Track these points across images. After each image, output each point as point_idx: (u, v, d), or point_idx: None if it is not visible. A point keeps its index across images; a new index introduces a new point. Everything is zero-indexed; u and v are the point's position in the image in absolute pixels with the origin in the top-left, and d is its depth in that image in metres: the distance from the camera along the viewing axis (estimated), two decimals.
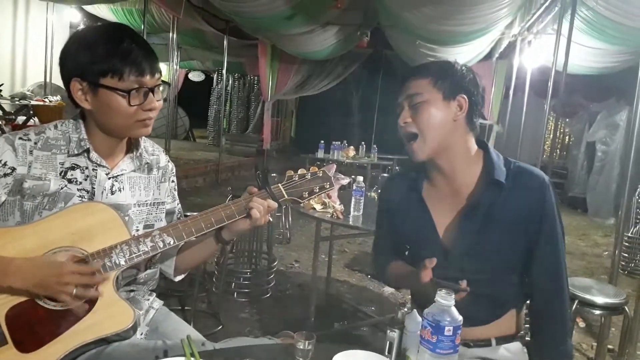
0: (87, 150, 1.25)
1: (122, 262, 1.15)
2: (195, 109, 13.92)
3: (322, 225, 3.22)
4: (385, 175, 7.18)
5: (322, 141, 7.03)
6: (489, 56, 7.36)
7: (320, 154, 6.89)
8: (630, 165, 2.72)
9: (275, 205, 1.24)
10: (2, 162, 1.18)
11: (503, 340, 1.36)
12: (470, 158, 1.38)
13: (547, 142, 7.67)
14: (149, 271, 1.38)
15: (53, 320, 1.11)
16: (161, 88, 1.24)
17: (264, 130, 9.90)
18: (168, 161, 1.45)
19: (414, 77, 1.37)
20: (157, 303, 1.43)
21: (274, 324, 3.16)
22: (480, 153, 1.39)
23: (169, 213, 1.43)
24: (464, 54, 6.53)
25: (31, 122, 5.83)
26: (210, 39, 8.94)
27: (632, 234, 4.92)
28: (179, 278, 1.43)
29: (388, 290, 3.98)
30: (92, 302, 1.13)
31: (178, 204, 1.47)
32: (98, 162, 1.26)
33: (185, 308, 3.23)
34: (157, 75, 1.22)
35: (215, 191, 7.52)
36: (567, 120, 9.27)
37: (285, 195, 1.27)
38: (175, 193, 1.47)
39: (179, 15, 6.44)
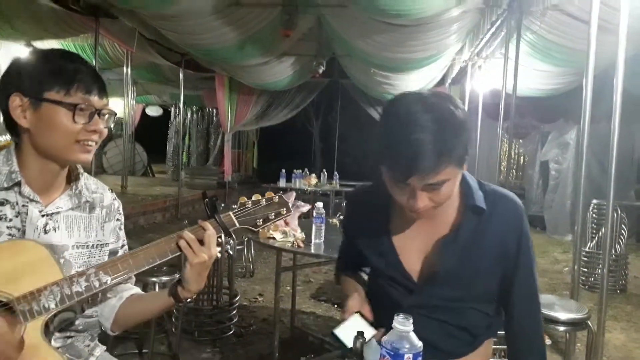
0: (18, 184, 1.14)
1: (52, 306, 1.03)
2: (153, 144, 13.70)
3: (285, 256, 3.13)
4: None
5: (283, 170, 7.00)
6: (442, 82, 7.57)
7: (282, 182, 6.85)
8: (582, 182, 2.77)
9: (214, 235, 1.17)
10: None
11: None
12: None
13: (503, 163, 7.88)
14: (89, 320, 1.25)
15: None
16: (106, 116, 1.17)
17: (225, 162, 9.81)
18: (114, 199, 1.34)
19: (442, 166, 1.09)
20: (99, 349, 1.30)
21: None
22: None
23: (112, 253, 1.30)
24: (418, 81, 6.70)
25: None
26: (166, 73, 8.87)
27: (589, 248, 5.04)
28: (115, 333, 1.29)
29: None
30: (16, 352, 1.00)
31: (124, 245, 1.35)
32: (30, 198, 1.15)
33: (143, 351, 3.06)
34: (104, 100, 1.16)
35: (175, 226, 7.31)
36: (521, 141, 9.59)
37: (237, 224, 1.19)
38: (121, 232, 1.35)
39: (132, 49, 6.37)
